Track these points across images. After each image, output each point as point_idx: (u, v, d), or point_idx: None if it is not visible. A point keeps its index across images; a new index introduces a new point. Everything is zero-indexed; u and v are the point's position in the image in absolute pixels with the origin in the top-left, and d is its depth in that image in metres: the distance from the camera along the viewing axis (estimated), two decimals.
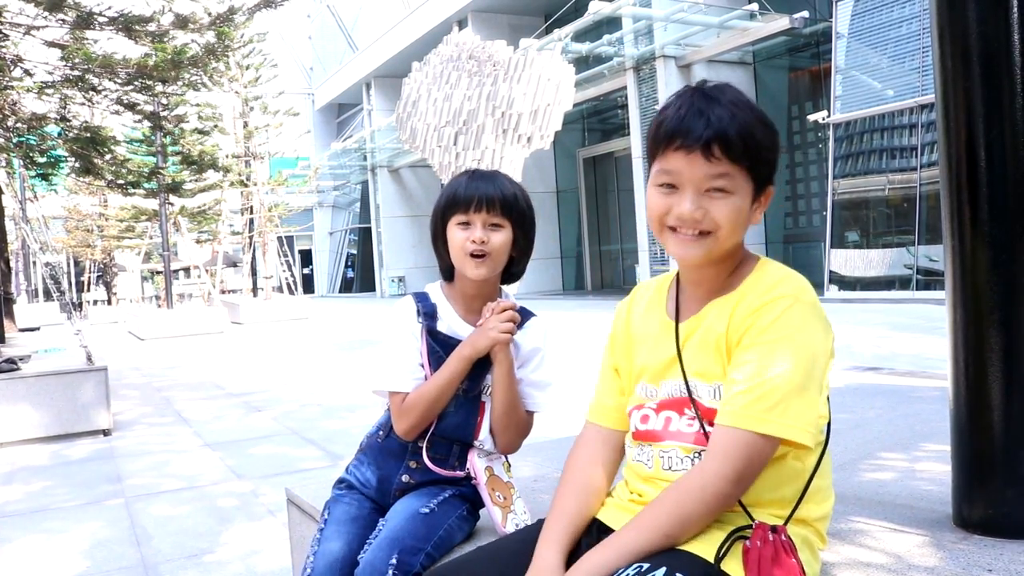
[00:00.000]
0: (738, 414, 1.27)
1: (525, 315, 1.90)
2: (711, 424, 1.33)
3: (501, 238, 1.81)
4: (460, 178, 1.85)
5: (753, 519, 1.31)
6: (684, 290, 1.48)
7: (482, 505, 1.87)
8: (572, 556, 1.41)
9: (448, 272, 1.91)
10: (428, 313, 1.88)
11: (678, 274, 1.50)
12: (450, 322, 1.88)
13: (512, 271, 1.92)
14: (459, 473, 1.86)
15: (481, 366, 1.84)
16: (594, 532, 1.45)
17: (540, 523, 1.51)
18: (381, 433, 1.94)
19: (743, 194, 1.33)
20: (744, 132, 1.30)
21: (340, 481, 1.98)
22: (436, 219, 1.88)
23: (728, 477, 1.26)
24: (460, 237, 1.80)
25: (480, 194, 1.79)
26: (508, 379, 1.81)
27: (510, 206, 1.81)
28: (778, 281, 1.33)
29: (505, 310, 1.80)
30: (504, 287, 1.96)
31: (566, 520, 1.44)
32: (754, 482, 1.30)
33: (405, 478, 1.88)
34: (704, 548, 1.28)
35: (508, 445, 1.87)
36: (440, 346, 1.85)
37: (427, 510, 1.76)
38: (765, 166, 1.34)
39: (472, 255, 1.79)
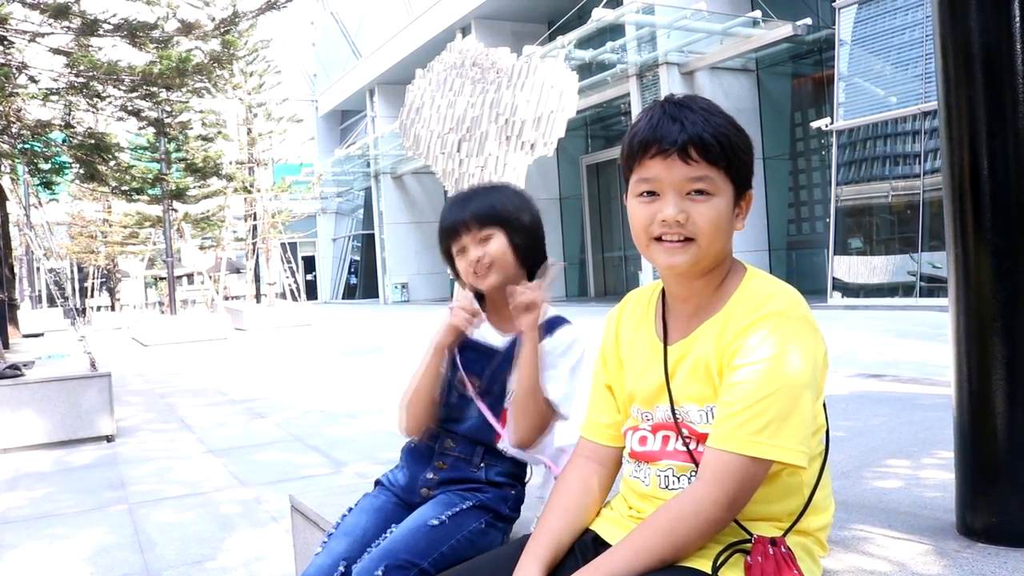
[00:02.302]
0: (729, 437, 1.26)
1: (559, 322, 1.90)
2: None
3: (495, 246, 1.86)
4: (444, 208, 1.94)
5: (751, 534, 1.31)
6: (671, 307, 1.46)
7: (507, 515, 1.87)
8: (561, 569, 1.41)
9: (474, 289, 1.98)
10: None
11: (664, 289, 1.49)
12: (483, 330, 1.93)
13: (530, 268, 1.93)
14: (481, 474, 1.87)
15: (499, 369, 1.86)
16: (590, 545, 1.45)
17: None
18: (415, 438, 1.98)
19: (724, 197, 1.33)
20: (719, 135, 1.31)
21: (375, 483, 2.02)
22: (442, 251, 1.97)
23: (721, 503, 1.25)
24: (462, 265, 1.89)
25: (455, 219, 1.88)
26: (530, 359, 1.78)
27: (487, 217, 1.86)
28: (766, 298, 1.32)
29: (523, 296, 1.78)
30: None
31: (550, 537, 1.44)
32: (748, 503, 1.30)
33: (430, 475, 1.89)
34: (701, 561, 1.28)
35: (524, 435, 1.81)
36: (470, 350, 1.90)
37: (436, 522, 1.74)
38: (743, 168, 1.35)
39: (475, 273, 1.86)
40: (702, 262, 1.35)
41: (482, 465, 1.87)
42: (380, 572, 1.62)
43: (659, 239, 1.35)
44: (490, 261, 1.85)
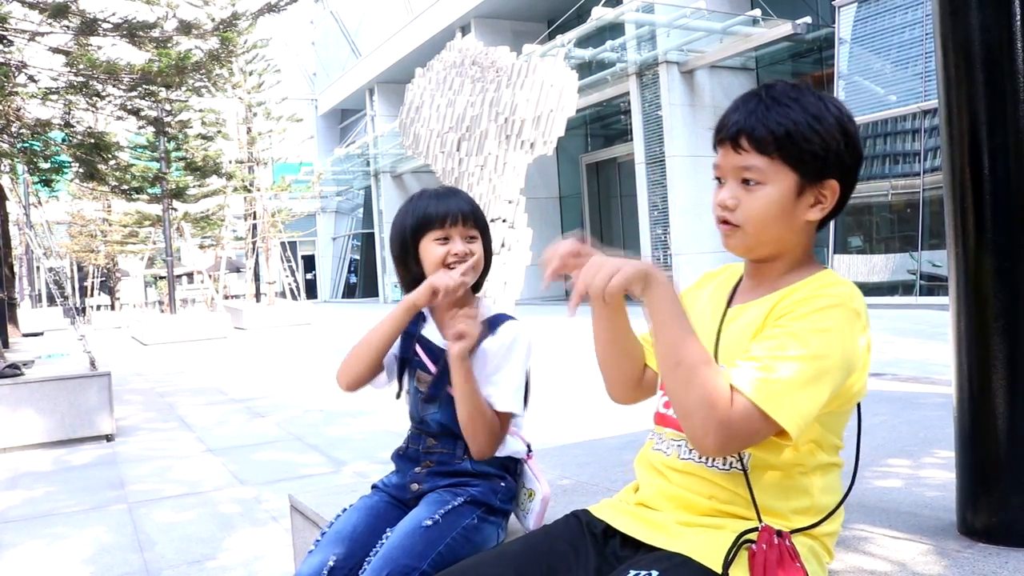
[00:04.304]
0: (741, 375, 1.23)
1: (501, 319, 1.91)
2: None
3: (479, 248, 1.91)
4: (424, 199, 1.92)
5: (760, 521, 1.31)
6: (744, 280, 1.50)
7: (500, 508, 1.88)
8: (580, 551, 1.42)
9: (411, 287, 1.91)
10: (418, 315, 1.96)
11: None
12: (433, 332, 1.96)
13: (479, 279, 1.97)
14: (466, 465, 1.88)
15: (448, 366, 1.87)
16: (599, 536, 1.45)
17: (542, 529, 1.52)
18: (403, 444, 2.01)
19: (779, 186, 1.33)
20: (774, 125, 1.31)
21: (372, 487, 2.04)
22: (404, 239, 1.92)
23: (723, 423, 1.20)
24: (440, 252, 1.86)
25: (455, 209, 1.87)
26: (464, 385, 1.79)
27: (477, 218, 1.91)
28: (830, 284, 1.32)
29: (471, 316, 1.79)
30: (479, 296, 2.00)
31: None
32: (741, 447, 1.28)
33: (419, 470, 1.93)
34: (711, 557, 1.28)
35: (479, 450, 1.83)
36: (427, 350, 1.93)
37: (430, 522, 1.75)
38: (809, 159, 1.32)
39: (449, 266, 1.86)
40: (756, 249, 1.39)
41: (465, 456, 1.89)
42: None
43: (721, 221, 1.40)
44: (476, 260, 1.88)
